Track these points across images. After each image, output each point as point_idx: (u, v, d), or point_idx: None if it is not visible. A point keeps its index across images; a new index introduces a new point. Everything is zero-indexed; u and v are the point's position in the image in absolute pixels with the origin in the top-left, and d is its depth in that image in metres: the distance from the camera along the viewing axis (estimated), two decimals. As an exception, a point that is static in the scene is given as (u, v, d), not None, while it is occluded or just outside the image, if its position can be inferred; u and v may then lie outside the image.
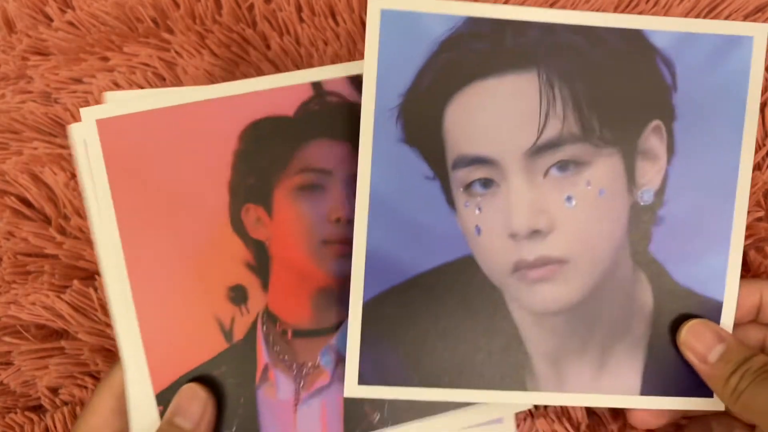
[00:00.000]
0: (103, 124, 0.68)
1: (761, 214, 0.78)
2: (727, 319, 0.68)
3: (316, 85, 0.70)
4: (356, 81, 0.70)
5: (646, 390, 0.69)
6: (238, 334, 0.70)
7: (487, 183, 0.67)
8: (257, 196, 0.70)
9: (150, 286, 0.69)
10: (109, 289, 0.69)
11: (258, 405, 0.69)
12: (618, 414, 0.76)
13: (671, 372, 0.68)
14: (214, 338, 0.70)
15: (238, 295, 0.70)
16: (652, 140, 0.67)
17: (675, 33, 0.66)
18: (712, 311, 0.68)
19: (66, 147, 0.88)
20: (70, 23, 0.89)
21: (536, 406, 0.72)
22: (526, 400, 0.69)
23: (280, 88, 0.70)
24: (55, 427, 0.80)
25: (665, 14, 0.82)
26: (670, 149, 0.67)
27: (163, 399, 0.68)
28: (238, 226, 0.70)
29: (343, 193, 0.70)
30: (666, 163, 0.67)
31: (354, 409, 0.69)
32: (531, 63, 0.66)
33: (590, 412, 0.77)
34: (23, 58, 0.90)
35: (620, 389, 0.69)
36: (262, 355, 0.70)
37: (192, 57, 0.87)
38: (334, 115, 0.70)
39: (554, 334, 0.68)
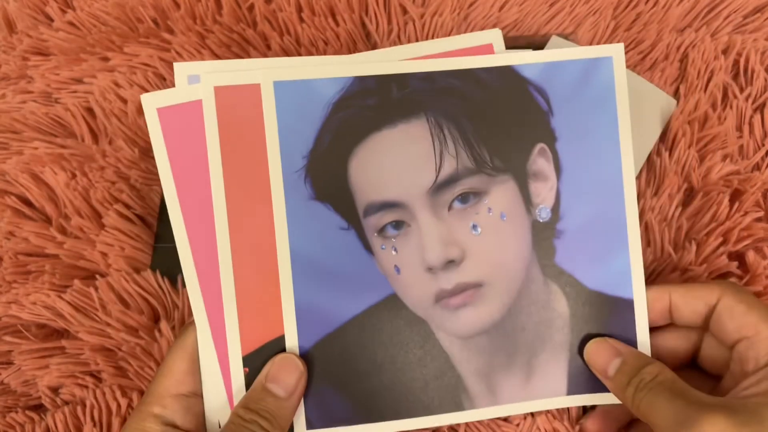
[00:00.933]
0: (220, 92, 0.69)
1: (760, 214, 0.81)
2: (641, 315, 0.73)
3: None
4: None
5: (572, 390, 0.74)
6: None
7: (398, 225, 0.71)
8: None
9: (249, 254, 0.70)
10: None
11: None
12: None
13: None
14: None
15: None
16: (540, 162, 0.73)
17: (542, 64, 0.73)
18: (624, 309, 0.73)
19: (66, 147, 0.88)
20: (71, 23, 0.91)
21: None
22: (464, 419, 0.73)
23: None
24: (56, 426, 0.79)
25: (665, 15, 0.88)
26: (557, 168, 0.73)
27: (249, 362, 0.70)
28: None
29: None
30: (556, 180, 0.73)
31: None
32: (418, 110, 0.71)
33: (589, 408, 0.78)
34: (24, 58, 0.91)
35: (549, 393, 0.73)
36: None
37: (192, 57, 0.88)
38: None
39: (482, 353, 0.73)
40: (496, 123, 0.72)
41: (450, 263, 0.71)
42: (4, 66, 0.91)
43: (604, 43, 0.88)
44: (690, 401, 0.60)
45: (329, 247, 0.71)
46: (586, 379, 0.73)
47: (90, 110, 0.90)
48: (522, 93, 0.73)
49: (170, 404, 0.67)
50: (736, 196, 0.83)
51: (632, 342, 0.73)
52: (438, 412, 0.73)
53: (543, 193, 0.73)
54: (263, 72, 0.70)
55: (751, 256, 0.79)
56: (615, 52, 0.73)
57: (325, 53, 0.88)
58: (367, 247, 0.72)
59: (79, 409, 0.80)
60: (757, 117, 0.84)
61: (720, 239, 0.80)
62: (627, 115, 0.73)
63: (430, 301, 0.72)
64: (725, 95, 0.87)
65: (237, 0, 0.89)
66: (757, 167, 0.83)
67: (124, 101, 0.88)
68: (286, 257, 0.70)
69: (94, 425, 0.79)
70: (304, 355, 0.70)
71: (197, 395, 0.69)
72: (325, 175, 0.71)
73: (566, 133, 0.73)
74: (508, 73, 0.73)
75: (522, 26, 0.90)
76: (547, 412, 0.77)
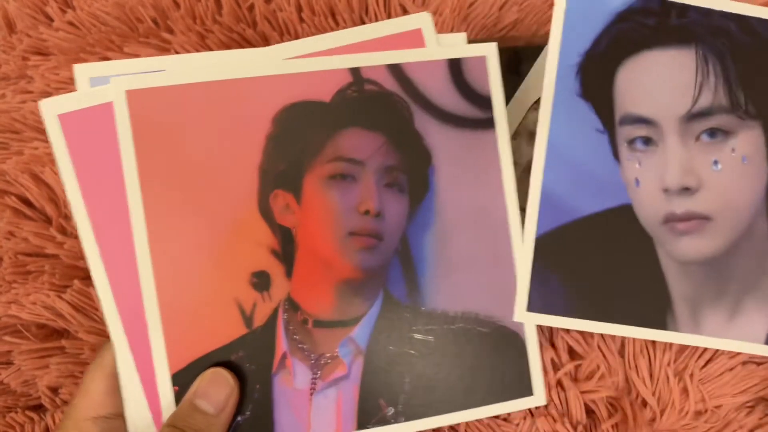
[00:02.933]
0: (133, 95, 0.66)
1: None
2: None
3: (354, 71, 0.70)
4: (395, 70, 0.70)
5: None
6: (259, 320, 0.68)
7: (647, 141, 0.73)
8: (287, 182, 0.69)
9: (172, 266, 0.66)
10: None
11: (273, 392, 0.69)
12: (613, 412, 0.80)
13: None
14: (233, 323, 0.68)
15: (261, 281, 0.68)
16: None
17: None
18: None
19: None
20: (71, 23, 0.90)
21: (536, 406, 0.74)
22: (666, 338, 0.75)
23: (318, 71, 0.69)
24: (56, 426, 0.80)
25: None
26: None
27: (178, 380, 0.67)
28: (265, 211, 0.69)
29: (374, 185, 0.70)
30: None
31: (369, 401, 0.70)
32: (690, 40, 0.74)
33: (588, 410, 0.80)
34: (24, 58, 0.91)
35: (748, 337, 0.75)
36: (281, 343, 0.69)
37: None
38: (371, 105, 0.70)
39: (694, 282, 0.75)
40: (759, 71, 0.75)
41: (685, 190, 0.73)
42: (4, 66, 0.91)
43: None
44: None
45: (583, 144, 0.74)
46: None
47: None
48: None
49: (88, 428, 0.66)
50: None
51: None
52: (643, 325, 0.74)
53: None
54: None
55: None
56: None
57: (325, 53, 0.88)
58: (615, 154, 0.74)
59: (79, 409, 0.79)
60: None
61: None
62: None
63: (659, 220, 0.74)
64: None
65: (237, 0, 0.90)
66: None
67: None
68: (543, 142, 0.73)
69: (93, 425, 0.76)
70: (538, 238, 0.73)
71: (119, 416, 0.67)
72: (595, 76, 0.73)
73: None
74: None
75: (522, 26, 0.91)
76: (547, 414, 0.79)
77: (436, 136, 0.71)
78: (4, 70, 0.90)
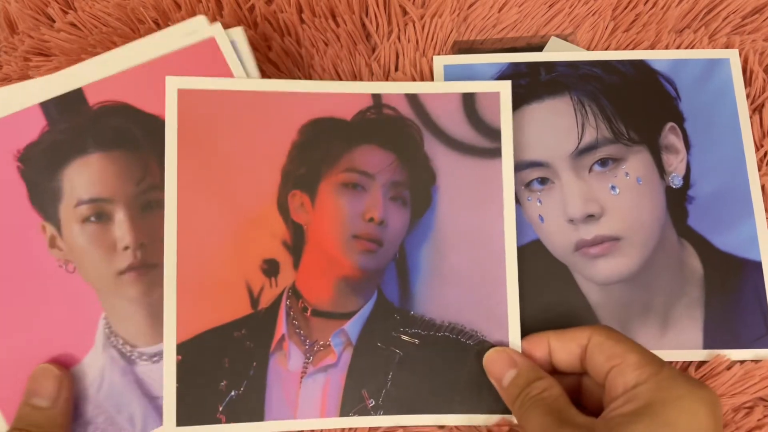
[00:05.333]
0: (183, 94, 0.76)
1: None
2: None
3: (376, 97, 0.79)
4: (412, 98, 0.79)
5: (708, 344, 0.78)
6: (264, 302, 0.75)
7: (543, 180, 0.81)
8: (305, 184, 0.77)
9: (195, 243, 0.74)
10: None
11: (268, 370, 0.74)
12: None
13: (730, 327, 0.78)
14: (241, 302, 0.74)
15: (270, 268, 0.75)
16: (671, 137, 0.83)
17: (670, 60, 0.86)
18: (754, 271, 0.80)
19: None
20: (72, 24, 0.90)
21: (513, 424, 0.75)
22: None
23: (344, 93, 0.78)
24: None
25: (663, 16, 0.90)
26: (687, 144, 0.83)
27: (183, 349, 0.72)
28: (283, 207, 0.76)
29: (381, 197, 0.77)
30: (686, 154, 0.83)
31: (353, 391, 0.74)
32: (563, 90, 0.84)
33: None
34: (25, 59, 0.89)
35: (685, 345, 0.78)
36: (281, 326, 0.75)
37: None
38: (386, 126, 0.79)
39: (619, 301, 0.79)
40: (631, 104, 0.83)
41: (590, 217, 0.80)
42: (6, 66, 0.89)
43: (603, 42, 0.90)
44: (559, 419, 0.63)
45: None
46: (723, 335, 0.78)
47: None
48: (653, 81, 0.85)
49: None
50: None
51: (763, 304, 0.79)
52: None
53: (675, 163, 0.82)
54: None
55: None
56: (731, 55, 0.87)
57: (325, 54, 0.88)
58: (515, 198, 0.79)
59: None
60: (756, 118, 0.86)
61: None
62: (745, 105, 0.84)
63: (570, 248, 0.80)
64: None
65: (237, 1, 0.89)
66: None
67: None
68: None
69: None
70: None
71: None
72: None
73: (693, 116, 0.84)
74: (641, 65, 0.86)
75: (521, 27, 0.91)
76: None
77: (443, 160, 0.78)
78: (6, 71, 0.89)
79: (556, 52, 0.87)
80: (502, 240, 0.76)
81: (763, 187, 0.82)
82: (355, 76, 0.88)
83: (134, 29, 0.89)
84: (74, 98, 0.76)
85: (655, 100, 0.84)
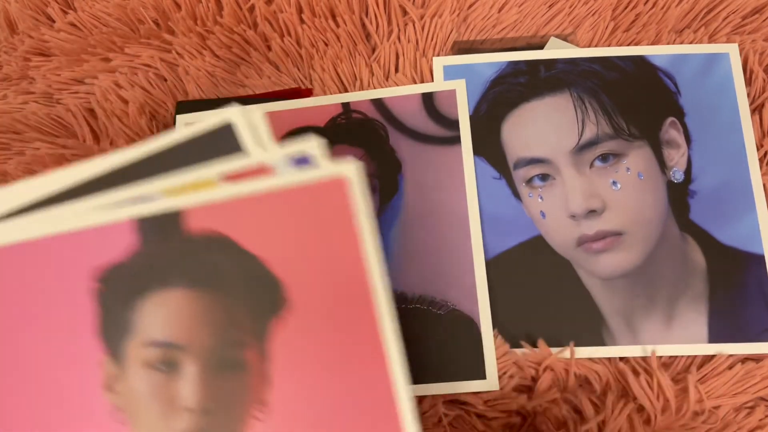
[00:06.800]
0: None
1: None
2: None
3: (345, 105, 0.86)
4: (378, 102, 0.87)
5: (713, 338, 0.77)
6: None
7: (544, 177, 0.82)
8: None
9: None
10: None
11: None
12: (600, 410, 0.77)
13: (734, 321, 0.78)
14: None
15: None
16: (671, 132, 0.83)
17: (669, 55, 0.87)
18: (757, 265, 0.79)
19: (68, 147, 0.86)
20: (72, 24, 0.90)
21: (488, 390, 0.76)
22: (606, 353, 0.77)
23: (318, 106, 0.87)
24: None
25: (663, 16, 0.90)
26: (687, 138, 0.83)
27: None
28: None
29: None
30: (687, 148, 0.83)
31: None
32: (563, 86, 0.85)
33: (575, 410, 0.78)
34: (25, 59, 0.90)
35: (689, 339, 0.78)
36: None
37: (193, 58, 0.89)
38: (355, 128, 0.86)
39: (622, 295, 0.79)
40: (631, 99, 0.84)
41: (592, 212, 0.80)
42: (6, 67, 0.91)
43: (603, 42, 0.90)
44: None
45: (484, 192, 0.83)
46: (727, 329, 0.78)
47: (91, 111, 0.90)
48: (652, 76, 0.86)
49: None
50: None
51: (766, 296, 0.78)
52: (582, 345, 0.78)
53: (676, 158, 0.83)
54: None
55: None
56: (731, 49, 0.87)
57: (325, 54, 0.90)
58: (516, 195, 0.83)
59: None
60: (756, 118, 0.86)
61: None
62: (745, 99, 0.84)
63: (572, 244, 0.80)
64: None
65: (238, 1, 0.89)
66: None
67: (125, 102, 0.88)
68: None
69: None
70: None
71: None
72: (481, 134, 0.85)
73: (693, 110, 0.84)
74: (641, 61, 0.86)
75: (521, 27, 0.91)
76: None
77: (407, 150, 0.84)
78: (6, 71, 0.90)
79: (559, 49, 0.88)
80: (466, 215, 0.81)
81: (764, 186, 0.81)
82: (355, 77, 0.89)
83: (134, 29, 0.90)
84: (173, 221, 0.61)
85: (655, 95, 0.85)
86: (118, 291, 0.61)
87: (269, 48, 0.90)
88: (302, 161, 0.61)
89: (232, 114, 0.61)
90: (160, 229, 0.61)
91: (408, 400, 0.59)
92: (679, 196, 0.81)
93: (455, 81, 0.85)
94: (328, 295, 0.61)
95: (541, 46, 0.89)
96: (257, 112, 0.61)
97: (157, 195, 0.60)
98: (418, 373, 0.76)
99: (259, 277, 0.61)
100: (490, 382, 0.76)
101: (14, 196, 0.59)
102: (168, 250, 0.61)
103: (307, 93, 0.87)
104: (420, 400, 0.77)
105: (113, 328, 0.61)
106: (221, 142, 0.62)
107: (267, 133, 0.62)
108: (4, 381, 0.60)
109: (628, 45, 0.90)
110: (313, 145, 0.60)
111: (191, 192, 0.60)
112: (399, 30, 0.91)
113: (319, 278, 0.61)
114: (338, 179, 0.61)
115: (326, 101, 0.86)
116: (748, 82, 0.87)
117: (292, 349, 0.61)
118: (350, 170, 0.60)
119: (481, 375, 0.76)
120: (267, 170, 0.61)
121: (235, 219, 0.62)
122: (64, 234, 0.60)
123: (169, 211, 0.61)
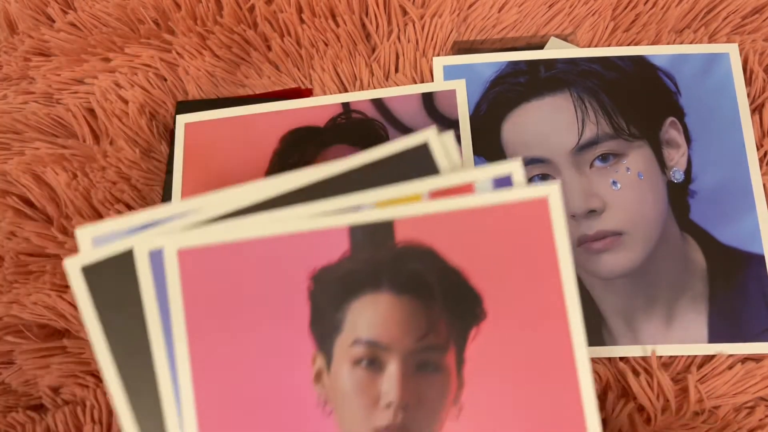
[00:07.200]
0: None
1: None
2: None
3: (345, 105, 0.87)
4: (377, 102, 0.87)
5: (713, 338, 0.77)
6: None
7: (544, 177, 0.82)
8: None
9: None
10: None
11: None
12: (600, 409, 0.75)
13: (734, 321, 0.77)
14: None
15: None
16: (672, 132, 0.83)
17: (669, 55, 0.87)
18: (758, 265, 0.79)
19: (68, 147, 0.86)
20: (72, 24, 0.91)
21: None
22: (607, 353, 0.77)
23: (317, 106, 0.87)
24: (56, 426, 0.78)
25: (663, 16, 0.90)
26: (687, 138, 0.83)
27: None
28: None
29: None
30: (687, 148, 0.83)
31: None
32: (563, 86, 0.85)
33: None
34: (25, 59, 0.91)
35: (690, 339, 0.77)
36: None
37: (193, 58, 0.89)
38: (355, 127, 0.85)
39: (623, 295, 0.79)
40: (631, 99, 0.84)
41: (592, 212, 0.80)
42: (6, 67, 0.91)
43: (603, 43, 0.90)
44: None
45: None
46: (727, 329, 0.77)
47: (91, 111, 0.90)
48: (652, 76, 0.85)
49: None
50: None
51: (766, 296, 0.78)
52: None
53: (676, 158, 0.82)
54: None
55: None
56: (731, 49, 0.87)
57: (325, 54, 0.90)
58: None
59: (79, 409, 0.79)
60: (756, 118, 0.86)
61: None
62: (745, 99, 0.84)
63: (573, 244, 0.79)
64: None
65: (238, 1, 0.90)
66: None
67: (125, 102, 0.89)
68: None
69: (95, 425, 0.78)
70: None
71: None
72: (481, 134, 0.84)
73: (693, 110, 0.84)
74: (641, 61, 0.86)
75: (521, 27, 0.91)
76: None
77: None
78: (6, 71, 0.91)
79: (559, 49, 0.87)
80: None
81: (764, 186, 0.81)
82: (355, 77, 0.89)
83: (134, 29, 0.91)
84: (384, 230, 0.68)
85: (655, 95, 0.85)
86: (328, 291, 0.67)
87: (269, 48, 0.91)
88: (502, 181, 0.66)
89: (428, 135, 0.70)
90: (372, 237, 0.68)
91: (595, 414, 0.64)
92: (679, 196, 0.81)
93: (455, 81, 0.85)
94: (524, 309, 0.66)
95: (541, 46, 0.89)
96: (450, 134, 0.70)
97: (368, 206, 0.67)
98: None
99: (460, 289, 0.66)
100: None
101: (239, 198, 0.69)
102: (378, 257, 0.67)
103: (307, 93, 0.87)
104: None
105: (323, 325, 0.67)
106: (418, 160, 0.70)
107: (458, 153, 0.70)
108: (225, 361, 0.67)
109: (628, 45, 0.89)
110: (515, 167, 0.67)
111: (400, 205, 0.67)
112: (399, 30, 0.91)
113: (515, 293, 0.66)
114: (541, 199, 0.66)
115: (326, 101, 0.86)
116: (748, 82, 0.87)
117: (486, 355, 0.66)
118: (553, 191, 0.66)
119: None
120: (468, 188, 0.67)
121: (439, 233, 0.67)
122: (287, 235, 0.67)
123: (383, 221, 0.67)
